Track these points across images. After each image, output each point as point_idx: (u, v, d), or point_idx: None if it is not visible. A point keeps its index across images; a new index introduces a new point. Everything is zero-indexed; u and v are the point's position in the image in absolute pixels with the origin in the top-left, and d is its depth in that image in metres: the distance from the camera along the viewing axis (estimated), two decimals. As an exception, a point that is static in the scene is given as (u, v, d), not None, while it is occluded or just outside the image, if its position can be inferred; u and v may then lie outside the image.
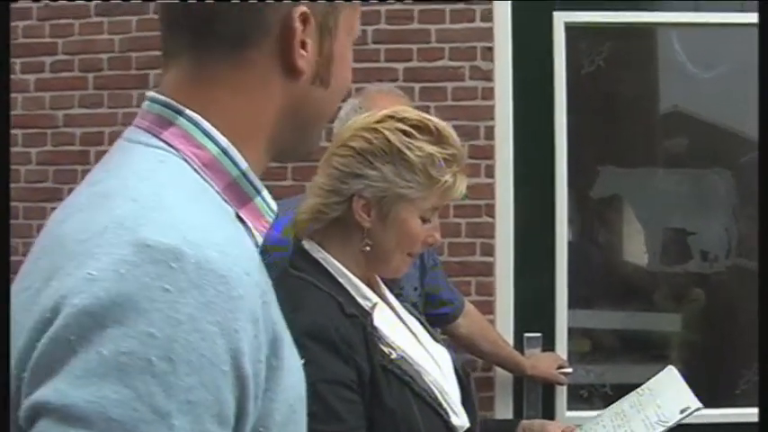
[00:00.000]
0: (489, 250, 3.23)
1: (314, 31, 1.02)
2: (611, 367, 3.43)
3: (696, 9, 3.27)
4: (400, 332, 1.82)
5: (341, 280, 1.77)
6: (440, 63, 3.23)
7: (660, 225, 3.52)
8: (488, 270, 3.23)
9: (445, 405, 1.76)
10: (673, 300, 3.53)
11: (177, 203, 0.89)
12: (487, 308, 3.18)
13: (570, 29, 3.24)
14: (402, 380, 1.70)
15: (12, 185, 3.17)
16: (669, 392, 2.29)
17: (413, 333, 1.88)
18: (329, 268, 1.78)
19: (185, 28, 1.00)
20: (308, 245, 1.81)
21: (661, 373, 2.34)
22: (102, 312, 0.81)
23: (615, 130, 3.46)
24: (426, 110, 3.13)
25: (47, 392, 0.81)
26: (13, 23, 3.26)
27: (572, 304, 3.26)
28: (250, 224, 0.99)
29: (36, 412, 0.82)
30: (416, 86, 3.21)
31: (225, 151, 0.98)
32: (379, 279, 1.90)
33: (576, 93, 3.26)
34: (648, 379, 2.46)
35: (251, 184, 1.00)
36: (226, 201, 0.98)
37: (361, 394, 1.66)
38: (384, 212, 1.76)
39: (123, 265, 0.83)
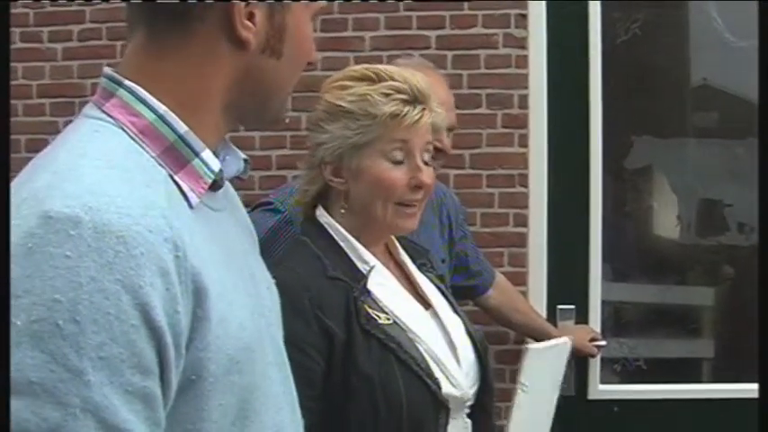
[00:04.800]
0: (523, 221, 3.19)
1: (263, 3, 1.07)
2: (645, 341, 3.39)
3: (735, -26, 3.20)
4: (400, 298, 1.82)
5: (342, 244, 1.80)
6: (473, 30, 3.17)
7: (695, 197, 3.47)
8: (521, 241, 3.19)
9: (438, 374, 1.73)
10: (707, 273, 3.48)
11: (91, 173, 0.96)
12: (520, 279, 3.15)
13: (606, -5, 3.19)
14: (386, 346, 1.70)
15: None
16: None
17: (425, 301, 1.86)
18: (331, 232, 1.81)
19: (140, 3, 1.08)
20: (318, 211, 1.85)
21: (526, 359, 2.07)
22: (15, 284, 0.90)
23: (651, 99, 3.40)
24: (459, 78, 3.12)
25: None
26: (40, -8, 3.25)
27: (606, 277, 3.22)
28: (185, 186, 1.04)
29: None
30: (449, 54, 3.16)
31: (162, 117, 1.04)
32: (398, 246, 1.91)
33: (611, 61, 3.20)
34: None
35: (189, 147, 1.05)
36: (161, 164, 1.04)
37: (327, 359, 1.68)
38: (350, 168, 1.78)
39: (31, 239, 0.91)
